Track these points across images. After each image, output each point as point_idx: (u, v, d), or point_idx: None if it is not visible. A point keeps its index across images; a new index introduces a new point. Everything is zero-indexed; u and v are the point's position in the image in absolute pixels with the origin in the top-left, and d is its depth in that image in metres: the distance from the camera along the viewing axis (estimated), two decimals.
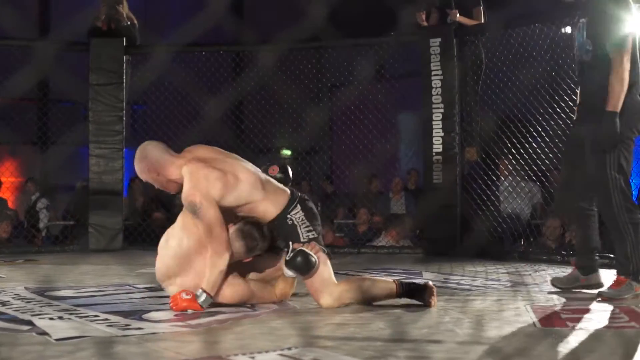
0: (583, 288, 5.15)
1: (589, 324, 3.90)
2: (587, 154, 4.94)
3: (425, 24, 8.87)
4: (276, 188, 4.58)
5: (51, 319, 4.04)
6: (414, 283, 4.61)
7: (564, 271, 6.50)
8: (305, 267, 4.36)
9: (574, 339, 3.42)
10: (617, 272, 4.93)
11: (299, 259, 4.34)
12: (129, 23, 9.92)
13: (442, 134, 8.37)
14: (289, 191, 4.61)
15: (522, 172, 8.48)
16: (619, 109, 4.77)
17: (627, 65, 4.78)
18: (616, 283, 4.86)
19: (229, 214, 4.44)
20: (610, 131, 4.75)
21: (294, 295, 4.92)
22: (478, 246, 7.82)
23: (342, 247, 9.16)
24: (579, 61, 5.09)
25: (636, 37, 4.90)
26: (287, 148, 15.19)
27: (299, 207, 4.54)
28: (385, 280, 4.65)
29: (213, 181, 4.32)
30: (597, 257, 5.21)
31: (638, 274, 4.82)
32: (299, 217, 4.51)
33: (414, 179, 11.37)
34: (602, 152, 4.83)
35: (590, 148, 4.91)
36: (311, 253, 4.39)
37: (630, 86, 4.82)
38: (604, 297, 4.82)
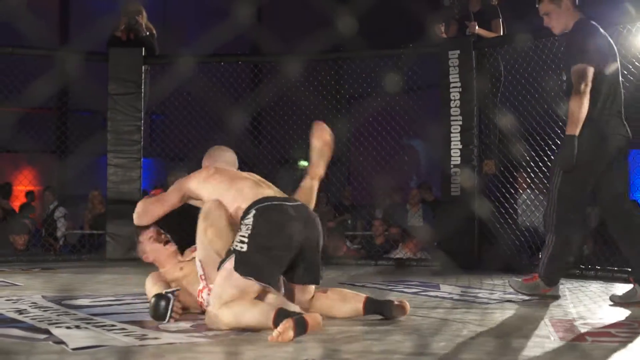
0: None
1: (608, 338, 3.87)
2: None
3: (444, 35, 8.87)
4: (253, 194, 4.38)
5: (68, 327, 4.04)
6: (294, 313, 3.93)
7: (583, 285, 6.50)
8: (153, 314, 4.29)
9: (593, 354, 3.40)
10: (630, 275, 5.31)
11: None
12: (147, 33, 9.96)
13: (460, 147, 8.35)
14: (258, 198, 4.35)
15: (541, 185, 8.45)
16: (577, 132, 5.10)
17: (585, 91, 5.08)
18: (531, 278, 5.51)
19: None
20: (568, 154, 5.12)
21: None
22: (496, 259, 7.79)
23: (359, 259, 9.16)
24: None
25: (609, 69, 5.26)
26: (305, 159, 15.20)
27: (252, 213, 4.21)
28: (266, 308, 4.00)
29: (192, 176, 4.63)
30: None
31: (548, 281, 5.45)
32: (246, 226, 4.18)
33: (426, 191, 11.38)
34: (559, 172, 5.25)
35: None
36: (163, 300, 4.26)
37: (609, 115, 5.22)
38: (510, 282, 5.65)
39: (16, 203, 12.28)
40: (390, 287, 6.35)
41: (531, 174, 8.15)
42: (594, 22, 5.41)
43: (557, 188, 5.29)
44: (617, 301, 5.27)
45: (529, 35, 7.90)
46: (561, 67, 5.44)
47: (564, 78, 5.34)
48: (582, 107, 5.11)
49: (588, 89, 5.13)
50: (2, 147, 11.78)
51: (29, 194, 12.66)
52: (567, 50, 5.37)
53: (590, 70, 5.14)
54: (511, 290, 5.97)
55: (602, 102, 5.24)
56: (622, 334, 4.07)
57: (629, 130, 5.37)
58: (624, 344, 3.75)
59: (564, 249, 5.36)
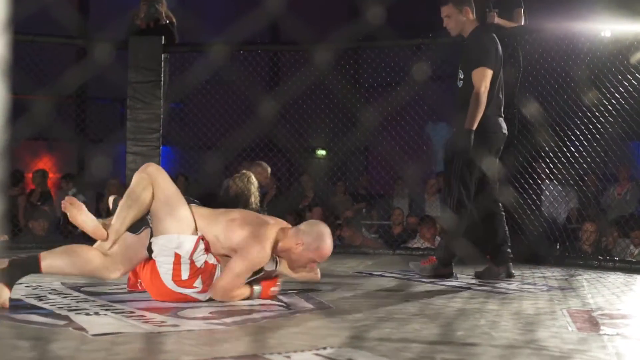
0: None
1: (626, 329, 3.87)
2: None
3: None
4: None
5: (88, 314, 4.06)
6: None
7: (601, 276, 6.49)
8: None
9: (611, 345, 3.40)
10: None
11: None
12: (167, 22, 9.96)
13: None
14: None
15: (560, 176, 8.43)
16: (474, 128, 5.92)
17: (485, 92, 5.95)
18: (428, 261, 6.36)
19: None
20: (466, 145, 5.92)
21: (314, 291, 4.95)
22: (516, 249, 7.77)
23: (376, 248, 9.17)
24: (456, 87, 6.28)
25: (498, 74, 6.16)
26: (323, 148, 15.19)
27: None
28: None
29: None
30: (508, 250, 6.39)
31: (443, 261, 6.30)
32: None
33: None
34: (456, 161, 6.08)
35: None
36: None
37: (493, 113, 6.09)
38: (413, 269, 6.43)
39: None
40: (407, 277, 6.36)
41: (550, 165, 8.13)
42: (490, 32, 6.46)
43: (459, 175, 6.09)
44: (480, 277, 6.28)
45: (552, 26, 7.90)
46: (459, 66, 6.26)
47: (461, 77, 6.17)
48: (481, 105, 5.94)
49: (487, 90, 5.98)
50: (22, 135, 11.81)
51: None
52: (469, 53, 6.16)
53: (490, 73, 6.02)
54: (530, 280, 6.01)
55: (494, 101, 6.09)
56: (639, 324, 4.07)
57: (506, 128, 6.30)
58: None
59: (459, 231, 6.21)
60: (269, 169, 9.14)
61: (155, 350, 3.26)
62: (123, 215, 4.60)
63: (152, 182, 4.63)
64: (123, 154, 9.43)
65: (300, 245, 4.66)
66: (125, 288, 5.07)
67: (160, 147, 9.37)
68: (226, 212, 4.85)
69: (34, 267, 4.41)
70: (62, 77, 8.83)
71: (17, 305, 4.33)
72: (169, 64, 9.70)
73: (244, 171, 7.76)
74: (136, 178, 4.67)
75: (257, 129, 9.43)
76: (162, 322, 3.88)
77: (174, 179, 5.32)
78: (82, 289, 5.08)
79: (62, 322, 3.80)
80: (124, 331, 3.59)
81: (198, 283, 4.59)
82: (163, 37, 9.54)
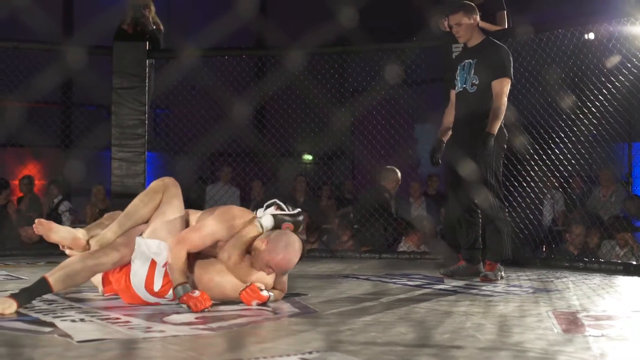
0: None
1: (611, 330, 3.88)
2: (465, 167, 6.32)
3: (448, 29, 8.84)
4: None
5: (73, 321, 4.05)
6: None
7: (586, 277, 6.52)
8: None
9: (596, 346, 3.41)
10: (489, 258, 6.44)
11: None
12: (154, 27, 9.94)
13: None
14: None
15: (545, 179, 8.45)
16: (495, 132, 6.16)
17: (506, 100, 6.27)
18: (490, 267, 6.36)
19: None
20: (489, 148, 6.13)
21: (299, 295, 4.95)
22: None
23: (363, 251, 9.17)
24: (461, 92, 6.52)
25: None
26: (309, 152, 15.20)
27: None
28: None
29: None
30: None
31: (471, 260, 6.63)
32: None
33: (434, 184, 11.39)
34: (483, 163, 6.23)
35: (465, 161, 6.29)
36: None
37: (506, 119, 6.41)
38: (484, 278, 6.26)
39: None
40: (393, 280, 6.36)
41: (535, 167, 8.15)
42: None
43: (494, 177, 6.32)
44: (447, 274, 6.61)
45: (531, 28, 7.92)
46: (470, 72, 6.45)
47: (475, 82, 6.37)
48: (503, 112, 6.25)
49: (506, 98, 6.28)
50: (7, 141, 11.77)
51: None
52: (487, 61, 6.35)
53: (509, 83, 6.35)
54: (515, 282, 6.04)
55: (508, 108, 6.40)
56: (624, 325, 4.08)
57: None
58: (626, 335, 3.76)
59: (508, 227, 6.53)
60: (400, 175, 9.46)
61: (141, 356, 3.25)
62: (114, 230, 4.77)
63: (164, 190, 4.75)
64: (108, 159, 9.42)
65: (265, 244, 4.67)
66: (110, 294, 5.05)
67: (146, 153, 9.36)
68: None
69: (44, 288, 4.48)
70: (41, 82, 8.81)
71: None
72: (154, 70, 9.68)
73: None
74: (153, 184, 4.82)
75: (243, 133, 9.44)
76: (148, 328, 3.87)
77: None
78: (67, 296, 5.06)
79: (47, 329, 3.79)
80: (109, 337, 3.58)
81: (170, 294, 4.61)
82: (147, 43, 9.52)
